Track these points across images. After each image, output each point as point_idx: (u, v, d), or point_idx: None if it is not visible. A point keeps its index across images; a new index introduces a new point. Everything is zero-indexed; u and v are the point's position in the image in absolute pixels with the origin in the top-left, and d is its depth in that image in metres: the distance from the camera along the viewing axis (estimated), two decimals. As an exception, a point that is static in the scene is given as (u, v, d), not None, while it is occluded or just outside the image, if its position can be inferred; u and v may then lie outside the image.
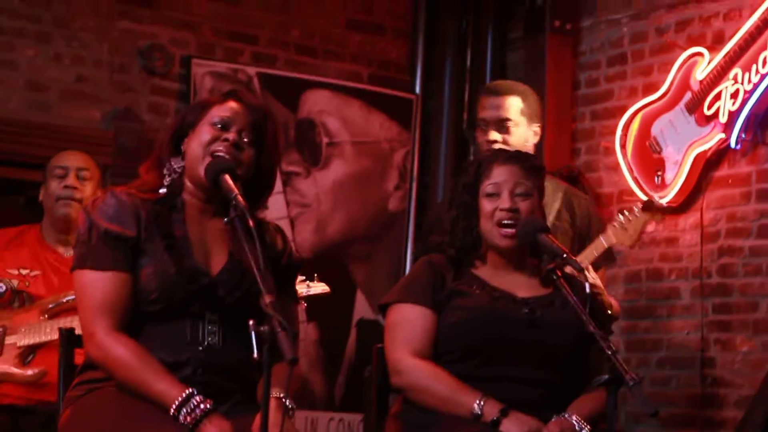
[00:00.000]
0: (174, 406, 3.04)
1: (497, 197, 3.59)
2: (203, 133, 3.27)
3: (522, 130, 4.52)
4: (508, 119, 4.51)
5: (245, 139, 3.29)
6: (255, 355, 2.83)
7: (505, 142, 4.47)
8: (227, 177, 3.17)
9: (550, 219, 4.47)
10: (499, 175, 3.61)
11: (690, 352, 5.78)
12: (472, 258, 3.65)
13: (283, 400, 3.08)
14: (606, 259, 4.52)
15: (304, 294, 4.40)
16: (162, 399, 3.07)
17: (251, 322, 2.84)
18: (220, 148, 3.24)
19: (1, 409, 4.33)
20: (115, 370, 3.14)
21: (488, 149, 4.42)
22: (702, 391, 5.68)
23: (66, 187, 4.55)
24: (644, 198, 5.71)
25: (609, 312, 4.36)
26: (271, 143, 3.35)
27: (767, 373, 4.58)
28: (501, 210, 3.57)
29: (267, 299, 2.87)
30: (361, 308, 6.56)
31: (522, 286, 3.62)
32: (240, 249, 3.22)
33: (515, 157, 3.66)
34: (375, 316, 6.59)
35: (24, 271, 4.44)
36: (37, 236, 4.58)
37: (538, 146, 4.73)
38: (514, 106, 4.52)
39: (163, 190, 3.29)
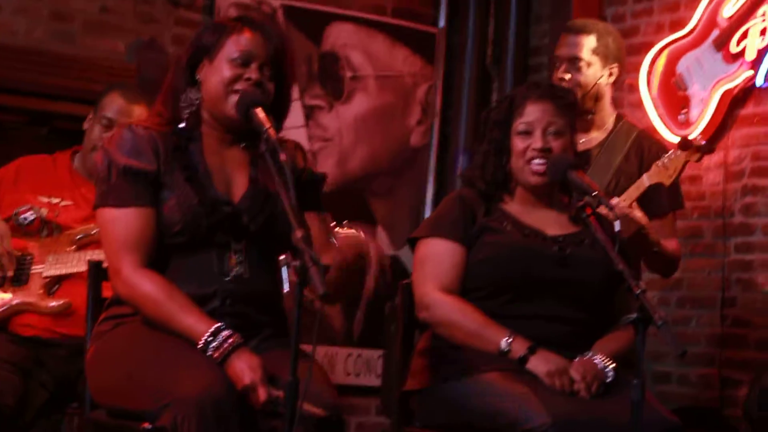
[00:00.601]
0: (202, 341, 3.06)
1: (529, 135, 3.57)
2: (223, 69, 3.24)
3: (594, 70, 4.48)
4: (579, 58, 4.48)
5: (267, 73, 3.26)
6: (286, 289, 2.84)
7: (575, 81, 4.45)
8: (259, 110, 3.16)
9: (618, 161, 4.46)
10: (532, 113, 3.59)
11: (711, 291, 5.77)
12: (501, 193, 3.65)
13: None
14: (671, 201, 4.49)
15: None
16: (190, 334, 3.08)
17: (282, 257, 2.84)
18: (242, 88, 3.22)
19: (23, 341, 4.29)
20: (142, 306, 3.15)
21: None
22: (722, 331, 5.68)
23: None
24: (672, 137, 5.69)
25: (655, 249, 4.27)
26: (288, 72, 3.34)
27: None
28: (533, 149, 3.56)
29: (298, 234, 2.86)
30: (381, 243, 6.55)
31: (552, 224, 3.61)
32: (263, 175, 3.24)
33: (548, 94, 3.63)
34: (395, 252, 6.59)
35: (54, 200, 4.41)
36: (68, 165, 4.54)
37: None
38: (587, 45, 4.49)
39: (182, 125, 3.28)
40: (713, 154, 5.72)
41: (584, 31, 4.53)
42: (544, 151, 3.55)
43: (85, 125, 4.55)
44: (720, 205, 5.74)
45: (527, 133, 3.58)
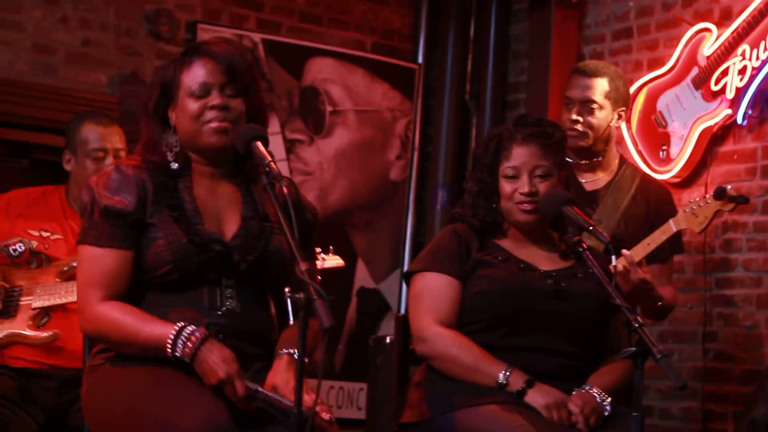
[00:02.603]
0: (169, 341, 3.04)
1: (516, 180, 3.59)
2: (187, 106, 3.24)
3: (606, 113, 4.56)
4: (593, 101, 4.54)
5: (229, 93, 3.25)
6: (291, 321, 2.84)
7: (587, 123, 4.52)
8: (259, 144, 3.15)
9: (625, 204, 4.51)
10: (518, 156, 3.60)
11: (692, 326, 5.82)
12: (494, 230, 3.67)
13: (295, 356, 3.09)
14: (673, 247, 4.53)
15: (319, 267, 4.40)
16: (156, 339, 3.06)
17: (287, 289, 2.85)
18: (210, 118, 3.22)
19: (12, 373, 4.28)
20: (107, 334, 3.14)
21: (569, 128, 4.47)
22: (704, 365, 5.72)
23: None
24: (652, 173, 5.75)
25: (659, 303, 4.33)
26: (251, 81, 3.32)
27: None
28: (520, 194, 3.58)
29: (302, 266, 2.86)
30: (362, 277, 6.57)
31: (544, 259, 3.64)
32: (254, 212, 3.23)
33: (534, 135, 3.63)
34: (375, 285, 6.61)
35: (45, 234, 4.41)
36: (61, 200, 4.55)
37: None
38: (600, 88, 4.56)
39: (175, 166, 3.26)
40: (693, 190, 5.78)
41: (597, 74, 4.59)
42: (531, 195, 3.57)
43: (68, 166, 4.54)
44: (701, 241, 5.78)
45: (514, 177, 3.60)
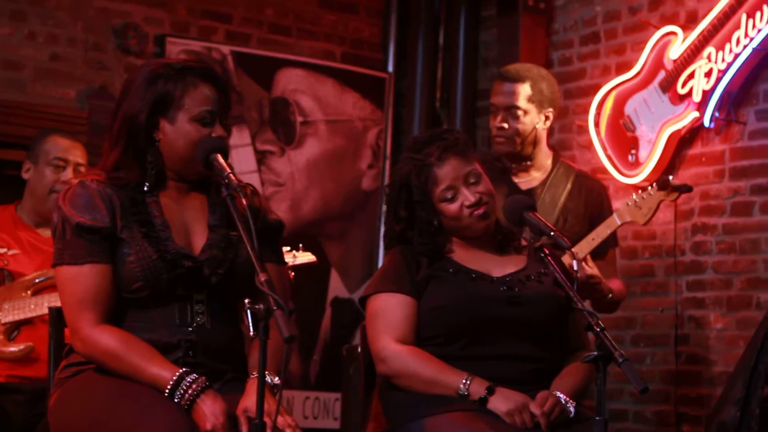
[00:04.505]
0: (168, 388, 3.05)
1: (456, 196, 3.58)
2: (190, 131, 3.20)
3: (531, 117, 4.58)
4: (517, 107, 4.57)
5: (225, 123, 3.27)
6: (251, 333, 2.84)
7: (513, 129, 4.56)
8: (219, 156, 3.16)
9: (562, 200, 4.54)
10: (446, 175, 3.57)
11: (664, 329, 5.84)
12: (441, 250, 3.65)
13: (267, 377, 3.04)
14: (610, 240, 4.58)
15: (291, 264, 4.40)
16: (154, 383, 3.07)
17: (246, 301, 2.84)
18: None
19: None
20: (105, 362, 3.14)
21: (495, 134, 4.55)
22: (676, 368, 5.74)
23: (64, 182, 4.45)
24: (622, 177, 5.78)
25: (610, 296, 4.42)
26: (229, 108, 3.32)
27: (745, 349, 4.62)
28: (467, 207, 3.57)
29: (262, 277, 2.86)
30: (336, 287, 6.58)
31: (495, 265, 3.63)
32: (220, 221, 3.24)
33: (446, 149, 3.59)
34: (349, 295, 6.61)
35: (1, 250, 4.42)
36: (12, 216, 4.55)
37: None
38: (523, 93, 4.58)
39: (146, 186, 3.23)
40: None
41: (519, 79, 4.61)
42: (478, 203, 3.57)
43: (27, 175, 4.55)
44: (671, 244, 5.81)
45: (453, 196, 3.58)
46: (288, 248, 4.37)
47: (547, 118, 4.63)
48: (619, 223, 4.42)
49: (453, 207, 3.59)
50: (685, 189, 4.40)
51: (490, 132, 4.65)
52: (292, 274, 4.29)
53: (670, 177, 4.36)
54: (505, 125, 4.57)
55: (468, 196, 3.57)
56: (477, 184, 3.59)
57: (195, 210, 3.29)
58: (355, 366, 5.15)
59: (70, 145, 4.55)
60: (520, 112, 4.56)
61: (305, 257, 4.50)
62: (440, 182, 3.58)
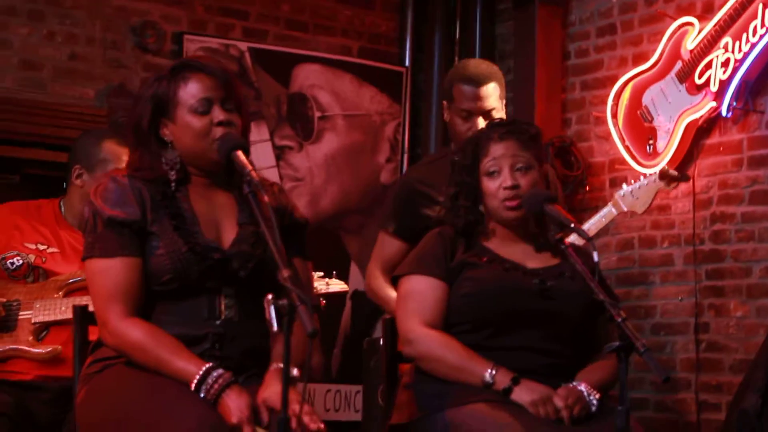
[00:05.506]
0: (194, 383, 3.08)
1: (498, 175, 3.63)
2: (191, 123, 3.24)
3: (501, 114, 4.45)
4: (492, 108, 4.41)
5: (229, 107, 3.27)
6: (275, 328, 2.86)
7: None
8: (240, 153, 3.18)
9: None
10: (497, 152, 3.63)
11: (684, 317, 5.85)
12: (478, 230, 3.70)
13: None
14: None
15: (323, 291, 4.44)
16: (181, 377, 3.10)
17: (270, 296, 2.86)
18: (220, 134, 3.23)
19: (8, 386, 4.27)
20: (132, 354, 3.16)
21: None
22: (697, 356, 5.75)
23: None
24: (641, 168, 5.79)
25: None
26: (240, 95, 3.33)
27: (766, 337, 4.63)
28: (504, 189, 3.61)
29: (285, 273, 2.88)
30: (356, 280, 6.59)
31: (531, 257, 3.66)
32: (249, 218, 3.26)
33: (510, 132, 3.66)
34: (369, 288, 6.63)
35: (41, 247, 4.41)
36: (55, 213, 4.53)
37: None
38: (494, 94, 4.43)
39: (173, 177, 3.27)
40: (681, 183, 5.81)
41: (488, 80, 4.42)
42: (514, 188, 3.60)
43: (79, 182, 4.49)
44: (690, 233, 5.82)
45: (496, 172, 3.63)
46: (321, 274, 4.40)
47: (504, 104, 4.50)
48: (615, 213, 4.41)
49: (491, 185, 3.62)
50: (683, 178, 4.41)
51: (459, 137, 4.42)
52: (323, 301, 4.33)
53: (659, 167, 4.34)
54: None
55: (507, 178, 3.60)
56: (523, 173, 3.61)
57: (224, 207, 3.32)
58: (376, 359, 5.17)
59: (123, 152, 4.51)
60: (494, 112, 4.41)
61: (338, 286, 4.54)
62: (489, 155, 3.63)
